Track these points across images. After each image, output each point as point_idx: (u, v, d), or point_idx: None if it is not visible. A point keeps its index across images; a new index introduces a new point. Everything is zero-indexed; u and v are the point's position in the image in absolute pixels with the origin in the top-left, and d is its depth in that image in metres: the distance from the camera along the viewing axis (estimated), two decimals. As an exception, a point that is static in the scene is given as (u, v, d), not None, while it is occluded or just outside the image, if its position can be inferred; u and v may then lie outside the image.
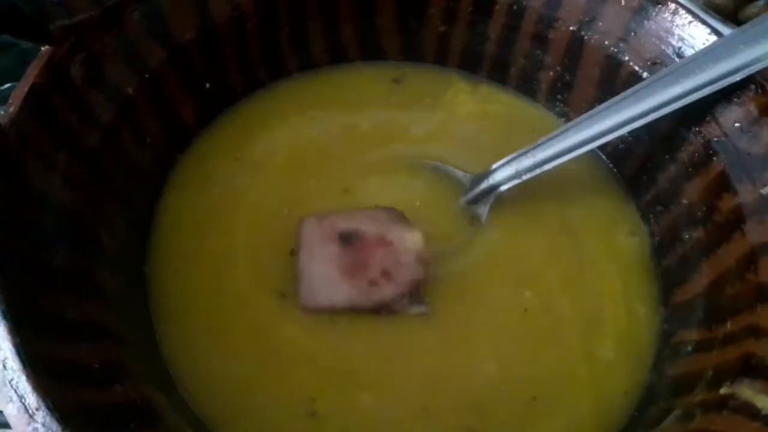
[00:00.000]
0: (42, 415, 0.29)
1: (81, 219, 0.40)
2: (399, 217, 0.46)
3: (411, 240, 0.44)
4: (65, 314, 0.35)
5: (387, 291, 0.44)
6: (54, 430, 0.29)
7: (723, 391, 0.37)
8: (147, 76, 0.46)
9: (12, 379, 0.30)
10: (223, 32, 0.50)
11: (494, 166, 0.51)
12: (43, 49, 0.40)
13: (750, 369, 0.37)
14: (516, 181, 0.49)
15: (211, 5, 0.49)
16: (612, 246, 0.51)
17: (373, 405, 0.42)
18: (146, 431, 0.34)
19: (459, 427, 0.42)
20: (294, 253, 0.46)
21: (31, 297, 0.34)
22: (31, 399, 0.30)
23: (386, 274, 0.44)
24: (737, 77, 0.42)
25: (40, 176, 0.38)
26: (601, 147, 0.52)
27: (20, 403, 0.30)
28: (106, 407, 0.33)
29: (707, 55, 0.43)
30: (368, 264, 0.44)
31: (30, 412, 0.29)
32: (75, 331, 0.35)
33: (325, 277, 0.44)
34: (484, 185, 0.50)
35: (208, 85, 0.51)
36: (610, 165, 0.55)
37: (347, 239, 0.44)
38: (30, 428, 0.29)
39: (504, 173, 0.50)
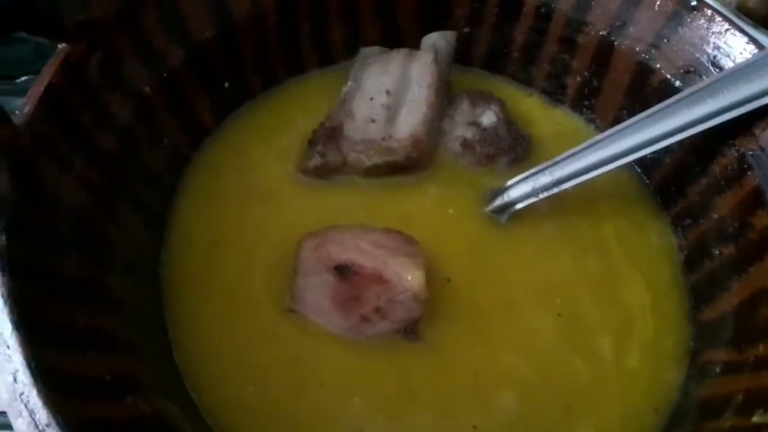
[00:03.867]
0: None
1: (95, 222, 0.39)
2: (404, 243, 0.44)
3: (410, 279, 0.42)
4: (76, 324, 0.34)
5: (379, 327, 0.43)
6: (64, 446, 0.28)
7: (756, 419, 0.35)
8: (165, 75, 0.45)
9: (23, 393, 0.29)
10: (243, 30, 0.49)
11: (509, 183, 0.49)
12: (59, 47, 0.39)
13: (785, 397, 0.35)
14: (533, 200, 0.48)
15: (231, 3, 0.48)
16: (641, 258, 0.49)
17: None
18: (159, 445, 0.33)
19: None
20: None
21: (43, 307, 0.33)
22: (42, 414, 0.29)
23: (379, 311, 0.42)
24: None
25: (55, 179, 0.37)
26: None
27: (30, 419, 0.29)
28: (118, 421, 0.32)
29: (747, 69, 0.41)
30: (362, 299, 0.42)
31: (40, 428, 0.29)
32: (86, 341, 0.34)
33: (318, 307, 0.43)
34: (498, 202, 0.49)
35: (227, 85, 0.50)
36: (640, 173, 0.53)
37: (343, 271, 0.42)
38: (40, 444, 0.29)
39: (520, 190, 0.48)
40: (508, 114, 0.53)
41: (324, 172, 0.49)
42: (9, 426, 0.30)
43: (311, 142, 0.50)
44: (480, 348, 0.44)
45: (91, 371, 0.33)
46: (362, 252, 0.43)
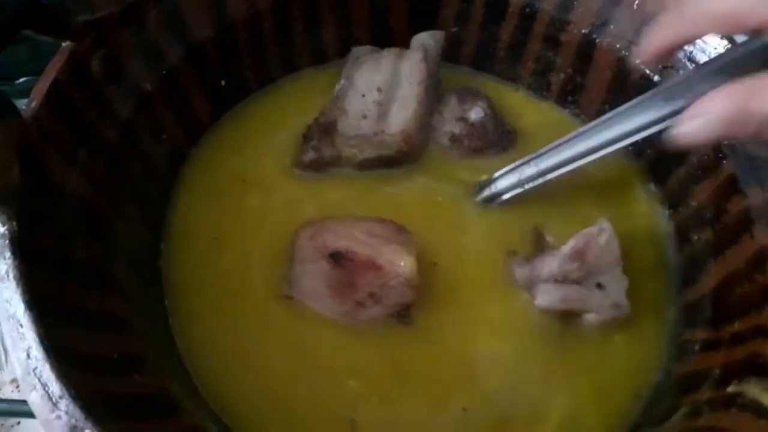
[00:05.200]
0: (65, 403, 0.30)
1: (99, 213, 0.41)
2: (396, 232, 0.46)
3: (402, 265, 0.44)
4: (86, 305, 0.36)
5: (373, 312, 0.44)
6: (77, 417, 0.30)
7: (730, 389, 0.37)
8: (165, 72, 0.46)
9: (36, 368, 0.31)
10: (240, 30, 0.51)
11: (496, 175, 0.51)
12: (63, 45, 0.40)
13: (757, 368, 0.37)
14: (518, 190, 0.50)
15: (229, 4, 0.49)
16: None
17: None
18: (164, 420, 0.35)
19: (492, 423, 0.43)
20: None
21: (54, 288, 0.34)
22: (55, 387, 0.30)
23: (373, 296, 0.44)
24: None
25: (61, 170, 0.39)
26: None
27: (44, 391, 0.30)
28: (127, 396, 0.34)
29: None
30: (356, 285, 0.44)
31: (54, 400, 0.30)
32: (95, 322, 0.36)
33: (314, 292, 0.45)
34: (486, 192, 0.51)
35: (223, 83, 0.52)
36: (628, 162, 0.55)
37: (338, 258, 0.44)
38: (53, 416, 0.30)
39: (506, 182, 0.50)
40: (495, 109, 0.55)
41: (319, 166, 0.51)
42: (32, 415, 0.31)
43: (306, 137, 0.52)
44: (464, 330, 0.46)
45: (100, 349, 0.34)
46: (356, 240, 0.45)
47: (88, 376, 0.32)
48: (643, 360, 0.46)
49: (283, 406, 0.42)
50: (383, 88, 0.53)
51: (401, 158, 0.52)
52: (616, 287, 0.45)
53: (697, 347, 0.43)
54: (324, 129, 0.51)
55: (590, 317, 0.45)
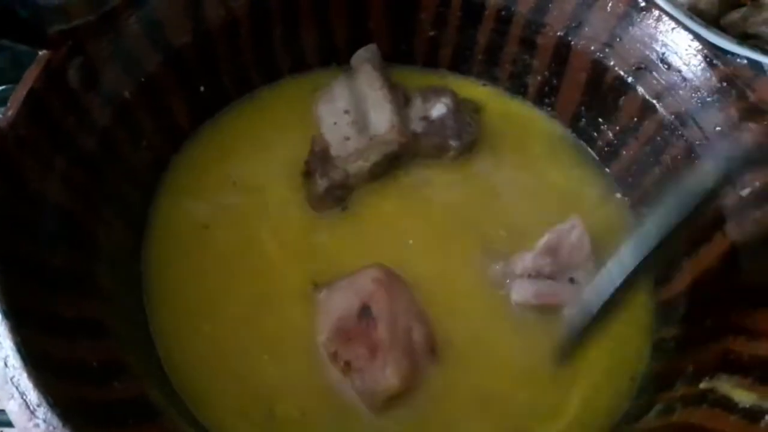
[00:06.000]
0: (43, 411, 0.30)
1: (79, 220, 0.41)
2: (426, 351, 0.44)
3: (387, 377, 0.42)
4: (64, 313, 0.36)
5: (351, 377, 0.43)
6: (55, 425, 0.30)
7: (702, 385, 0.38)
8: (143, 79, 0.47)
9: (13, 377, 0.31)
10: (218, 36, 0.51)
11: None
12: (40, 53, 0.41)
13: (728, 365, 0.38)
14: None
15: (206, 10, 0.50)
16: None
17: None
18: (144, 426, 0.35)
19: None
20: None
21: (31, 296, 0.34)
22: (32, 396, 0.31)
23: (348, 365, 0.43)
24: None
25: (39, 178, 0.39)
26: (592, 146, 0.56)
27: (21, 400, 0.31)
28: (106, 403, 0.34)
29: None
30: (350, 343, 0.43)
31: (31, 408, 0.30)
32: (74, 330, 0.36)
33: (329, 309, 0.45)
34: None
35: (202, 89, 0.52)
36: (600, 166, 0.56)
37: (364, 313, 0.43)
38: (31, 424, 0.30)
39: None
40: (459, 104, 0.55)
41: (335, 193, 0.51)
42: (10, 425, 0.31)
43: (308, 173, 0.52)
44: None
45: (79, 357, 0.35)
46: (393, 323, 0.44)
47: (67, 384, 0.32)
48: (623, 358, 0.46)
49: (267, 409, 0.42)
50: (350, 108, 0.53)
51: (405, 150, 0.53)
52: (589, 281, 0.46)
53: (672, 344, 0.44)
54: (322, 156, 0.52)
55: (567, 312, 0.46)
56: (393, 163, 0.53)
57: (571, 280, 0.46)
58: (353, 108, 0.54)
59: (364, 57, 0.57)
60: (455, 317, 0.47)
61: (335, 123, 0.53)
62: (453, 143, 0.54)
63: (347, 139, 0.52)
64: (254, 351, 0.44)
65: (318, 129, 0.54)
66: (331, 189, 0.51)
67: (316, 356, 0.44)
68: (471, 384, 0.45)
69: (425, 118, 0.54)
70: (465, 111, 0.56)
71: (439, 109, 0.54)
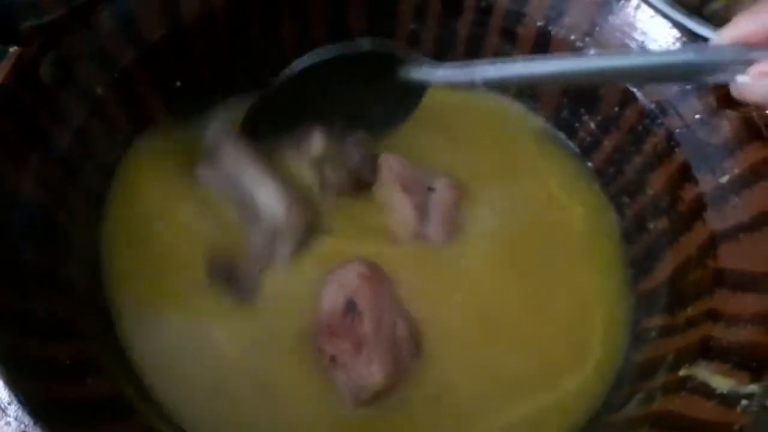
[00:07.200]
0: (14, 410, 0.30)
1: (52, 218, 0.41)
2: (412, 348, 0.44)
3: (372, 373, 0.41)
4: (36, 311, 0.35)
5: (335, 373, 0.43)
6: (26, 423, 0.30)
7: (682, 373, 0.38)
8: (117, 75, 0.46)
9: (-17, 376, 0.31)
10: (194, 29, 0.50)
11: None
12: (11, 49, 0.40)
13: (707, 351, 0.38)
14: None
15: (182, 2, 0.49)
16: (588, 238, 0.52)
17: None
18: (117, 423, 0.35)
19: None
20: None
21: (2, 294, 0.34)
22: (3, 394, 0.30)
23: (334, 359, 0.42)
24: None
25: (12, 176, 0.39)
26: (571, 138, 0.55)
27: (-8, 398, 0.30)
28: (79, 401, 0.34)
29: None
30: (334, 338, 0.43)
31: (2, 406, 0.30)
32: (46, 328, 0.35)
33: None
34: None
35: (178, 83, 0.52)
36: (581, 156, 0.56)
37: (350, 308, 0.43)
38: (2, 422, 0.30)
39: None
40: None
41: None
42: None
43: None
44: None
45: (51, 355, 0.34)
46: (380, 319, 0.43)
47: (39, 382, 0.32)
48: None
49: (236, 409, 0.42)
50: (234, 198, 0.48)
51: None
52: None
53: (653, 334, 0.44)
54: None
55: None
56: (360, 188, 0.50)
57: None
58: (227, 195, 0.48)
59: (215, 131, 0.50)
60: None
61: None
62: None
63: (257, 220, 0.47)
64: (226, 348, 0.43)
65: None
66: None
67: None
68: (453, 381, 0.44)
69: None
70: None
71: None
